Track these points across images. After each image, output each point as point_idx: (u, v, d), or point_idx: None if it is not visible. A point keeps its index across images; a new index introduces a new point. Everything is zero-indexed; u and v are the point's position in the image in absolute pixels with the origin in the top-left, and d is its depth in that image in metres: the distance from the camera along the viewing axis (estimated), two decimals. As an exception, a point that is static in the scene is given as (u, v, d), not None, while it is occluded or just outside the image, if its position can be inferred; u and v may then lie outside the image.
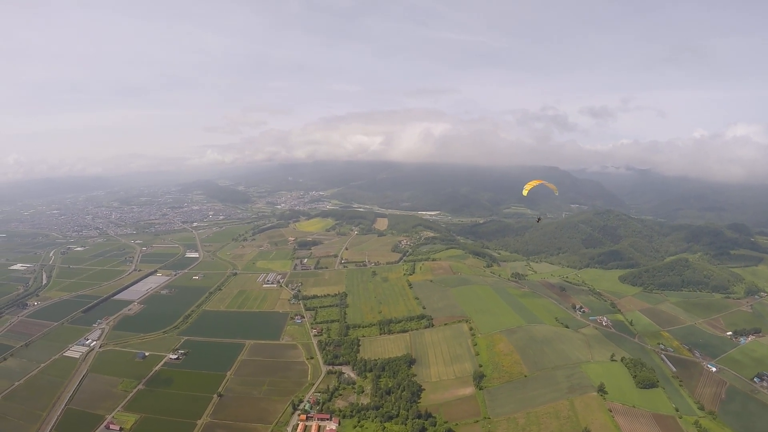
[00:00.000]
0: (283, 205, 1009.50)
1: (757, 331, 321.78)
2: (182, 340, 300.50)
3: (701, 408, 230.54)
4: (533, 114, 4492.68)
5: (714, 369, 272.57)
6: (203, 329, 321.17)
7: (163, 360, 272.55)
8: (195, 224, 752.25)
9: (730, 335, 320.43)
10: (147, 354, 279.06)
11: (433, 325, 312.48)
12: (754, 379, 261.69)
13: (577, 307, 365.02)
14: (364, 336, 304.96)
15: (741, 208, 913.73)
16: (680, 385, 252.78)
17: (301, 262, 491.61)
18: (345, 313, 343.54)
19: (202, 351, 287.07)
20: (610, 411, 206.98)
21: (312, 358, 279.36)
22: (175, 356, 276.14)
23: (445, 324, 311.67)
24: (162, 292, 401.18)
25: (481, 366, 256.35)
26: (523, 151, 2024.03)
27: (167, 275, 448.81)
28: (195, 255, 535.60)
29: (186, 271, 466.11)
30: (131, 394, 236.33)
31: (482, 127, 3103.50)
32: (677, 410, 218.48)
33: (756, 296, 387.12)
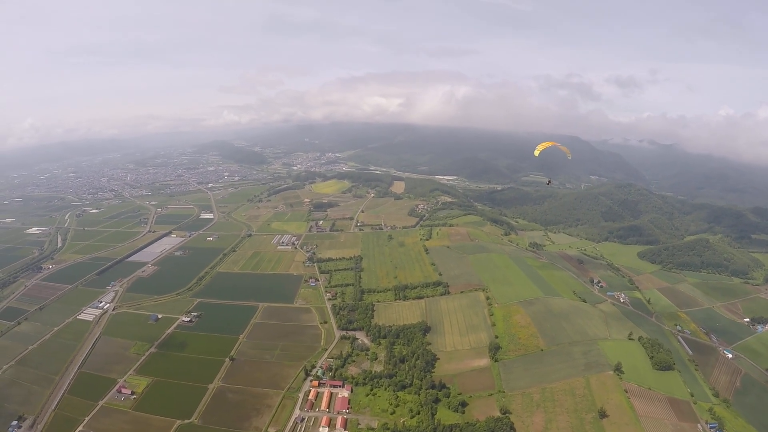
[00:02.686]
0: (299, 166, 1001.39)
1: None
2: (195, 303, 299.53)
3: (716, 395, 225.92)
4: (557, 81, 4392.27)
5: (730, 356, 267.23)
6: (216, 291, 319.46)
7: (176, 323, 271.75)
8: (210, 185, 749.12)
9: (747, 322, 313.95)
10: (160, 316, 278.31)
11: (449, 293, 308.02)
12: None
13: (595, 281, 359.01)
14: (378, 301, 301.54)
15: (764, 192, 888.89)
16: (696, 370, 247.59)
17: (316, 224, 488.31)
18: (360, 277, 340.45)
19: (215, 313, 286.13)
20: (626, 392, 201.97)
21: (325, 322, 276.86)
22: (188, 319, 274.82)
23: (462, 292, 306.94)
24: (176, 253, 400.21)
25: (497, 337, 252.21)
26: (546, 118, 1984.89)
27: (181, 236, 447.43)
28: (210, 216, 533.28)
29: (200, 232, 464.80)
30: (143, 358, 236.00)
31: (505, 92, 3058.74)
32: (692, 395, 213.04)
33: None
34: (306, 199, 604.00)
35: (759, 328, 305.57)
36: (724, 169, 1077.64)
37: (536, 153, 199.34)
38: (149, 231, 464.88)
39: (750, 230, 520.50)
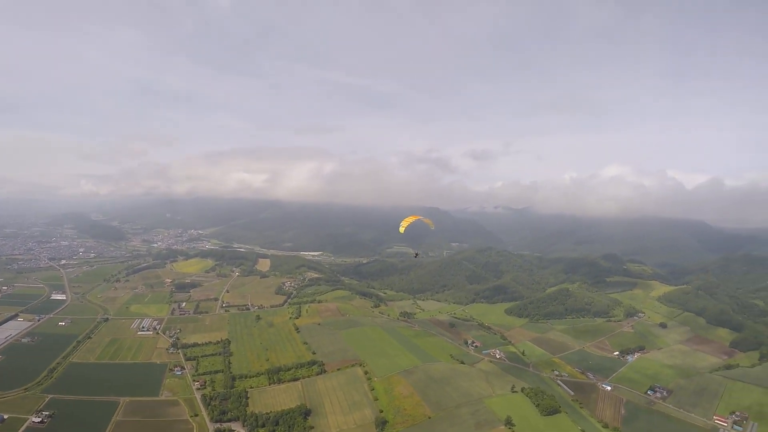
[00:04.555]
0: (160, 243, 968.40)
1: (641, 349, 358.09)
2: (47, 399, 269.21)
3: (605, 426, 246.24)
4: (417, 156, 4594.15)
5: (609, 388, 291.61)
6: (71, 385, 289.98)
7: (25, 424, 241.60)
8: (63, 262, 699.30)
9: (617, 355, 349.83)
10: (6, 417, 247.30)
11: (325, 371, 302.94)
12: (648, 392, 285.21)
13: (469, 342, 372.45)
14: (252, 387, 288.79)
15: (610, 240, 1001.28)
16: (581, 407, 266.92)
17: (179, 306, 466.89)
18: (230, 363, 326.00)
19: (71, 412, 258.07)
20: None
21: (197, 415, 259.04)
22: (39, 419, 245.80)
23: (339, 369, 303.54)
24: (23, 340, 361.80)
25: (381, 411, 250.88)
26: (409, 191, 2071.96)
27: (30, 320, 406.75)
28: (62, 297, 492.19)
29: (51, 315, 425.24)
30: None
31: (369, 167, 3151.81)
32: None
33: (635, 317, 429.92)
34: (167, 279, 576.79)
35: (629, 358, 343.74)
36: (574, 225, 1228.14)
37: (401, 230, 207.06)
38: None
39: (604, 274, 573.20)
